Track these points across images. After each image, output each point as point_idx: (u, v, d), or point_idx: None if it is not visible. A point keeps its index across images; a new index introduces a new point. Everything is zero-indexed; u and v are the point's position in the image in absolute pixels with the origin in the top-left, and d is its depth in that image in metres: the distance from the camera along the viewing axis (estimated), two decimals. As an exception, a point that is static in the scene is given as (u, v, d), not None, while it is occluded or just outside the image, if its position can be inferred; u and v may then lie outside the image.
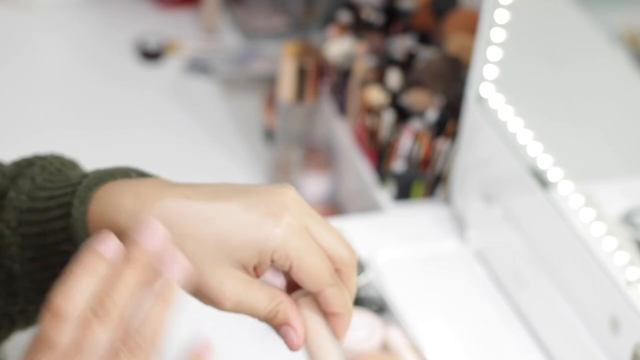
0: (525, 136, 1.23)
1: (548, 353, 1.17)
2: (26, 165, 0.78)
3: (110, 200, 0.70)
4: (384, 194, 1.40)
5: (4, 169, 0.78)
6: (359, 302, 1.22)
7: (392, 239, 1.31)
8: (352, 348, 1.15)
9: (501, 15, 1.23)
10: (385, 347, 1.17)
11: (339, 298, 0.69)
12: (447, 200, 1.38)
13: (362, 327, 1.17)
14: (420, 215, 1.36)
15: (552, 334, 1.17)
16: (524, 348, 1.19)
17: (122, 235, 0.64)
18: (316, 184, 1.54)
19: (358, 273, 1.23)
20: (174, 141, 1.67)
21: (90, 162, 1.62)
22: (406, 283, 1.25)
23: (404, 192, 1.39)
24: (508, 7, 1.22)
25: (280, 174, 1.58)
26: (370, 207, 1.42)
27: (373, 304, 1.22)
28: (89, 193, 0.71)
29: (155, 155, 1.64)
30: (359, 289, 1.22)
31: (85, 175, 0.74)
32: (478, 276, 1.27)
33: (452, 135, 1.36)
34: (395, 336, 1.17)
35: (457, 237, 1.33)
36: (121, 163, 1.61)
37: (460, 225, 1.33)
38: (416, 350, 1.17)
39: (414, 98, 1.41)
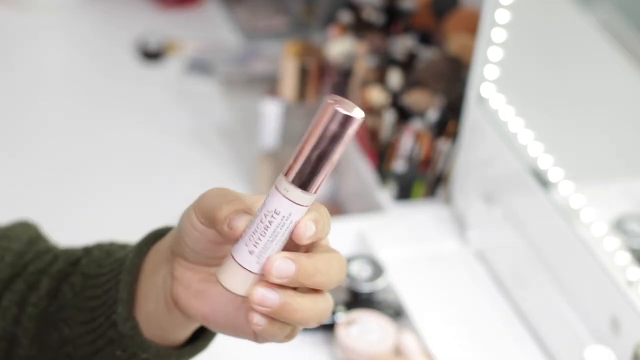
0: (526, 136, 1.23)
1: (549, 353, 1.17)
2: (101, 242, 0.85)
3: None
4: (385, 194, 1.40)
5: (88, 245, 0.85)
6: (374, 305, 1.21)
7: (392, 239, 1.31)
8: (364, 350, 1.15)
9: (502, 15, 1.23)
10: (397, 351, 1.17)
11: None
12: (448, 200, 1.38)
13: (374, 330, 1.17)
14: (421, 215, 1.36)
15: (553, 334, 1.17)
16: (524, 348, 1.19)
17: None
18: (317, 184, 1.54)
19: (376, 277, 1.22)
20: (174, 141, 1.67)
21: (90, 161, 1.63)
22: (407, 283, 1.25)
23: (404, 192, 1.39)
24: (509, 7, 1.22)
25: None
26: (371, 207, 1.42)
27: (389, 308, 1.22)
28: (139, 258, 0.77)
29: (155, 154, 1.64)
30: (375, 293, 1.22)
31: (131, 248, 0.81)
32: (478, 276, 1.27)
33: (453, 135, 1.36)
34: (408, 340, 1.17)
35: (457, 237, 1.33)
36: (121, 162, 1.61)
37: (460, 225, 1.33)
38: (424, 351, 1.17)
39: (415, 98, 1.41)
